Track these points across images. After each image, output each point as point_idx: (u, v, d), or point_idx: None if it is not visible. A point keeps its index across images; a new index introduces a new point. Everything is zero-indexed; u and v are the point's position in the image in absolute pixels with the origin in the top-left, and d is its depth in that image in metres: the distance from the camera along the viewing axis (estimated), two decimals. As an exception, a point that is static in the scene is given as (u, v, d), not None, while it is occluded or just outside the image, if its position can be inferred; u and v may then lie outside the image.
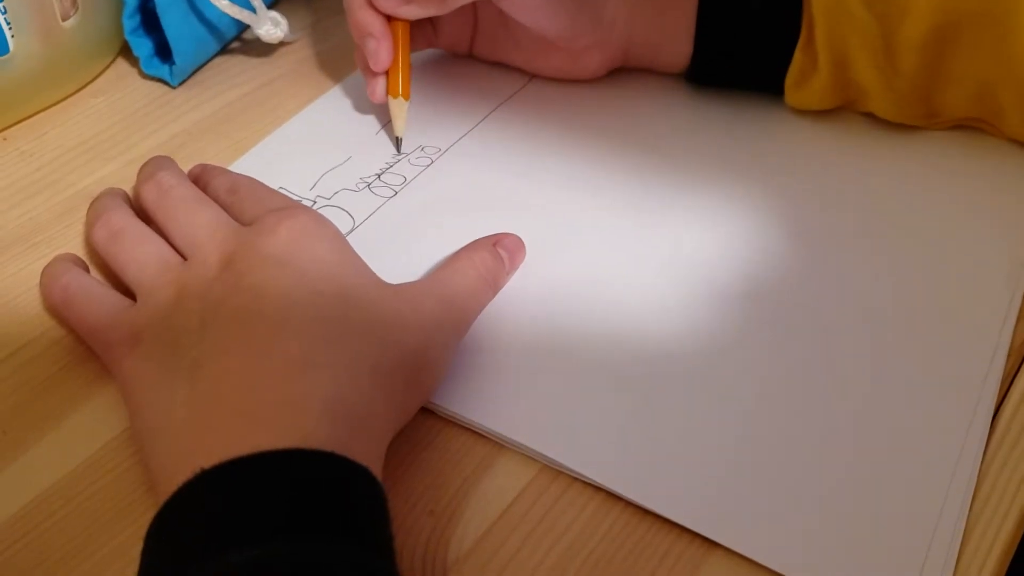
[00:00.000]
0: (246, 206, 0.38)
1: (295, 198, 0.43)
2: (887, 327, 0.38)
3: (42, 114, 0.49)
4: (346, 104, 0.49)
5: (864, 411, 0.35)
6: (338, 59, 0.52)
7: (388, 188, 0.45)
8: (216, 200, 0.39)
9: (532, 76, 0.50)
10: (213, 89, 0.51)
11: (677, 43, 0.47)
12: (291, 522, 0.27)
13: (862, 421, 0.35)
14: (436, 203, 0.44)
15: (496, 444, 0.35)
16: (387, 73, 0.45)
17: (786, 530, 0.32)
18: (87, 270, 0.40)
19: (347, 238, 0.37)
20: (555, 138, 0.47)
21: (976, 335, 0.38)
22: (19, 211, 0.44)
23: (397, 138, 0.46)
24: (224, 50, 0.53)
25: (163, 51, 0.50)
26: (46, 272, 0.39)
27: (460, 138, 0.47)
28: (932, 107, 0.45)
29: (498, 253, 0.39)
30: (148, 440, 0.32)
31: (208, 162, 0.44)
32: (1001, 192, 0.44)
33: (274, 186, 0.42)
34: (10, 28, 0.45)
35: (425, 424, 0.35)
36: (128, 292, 0.37)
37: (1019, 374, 0.37)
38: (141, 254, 0.37)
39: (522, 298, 0.39)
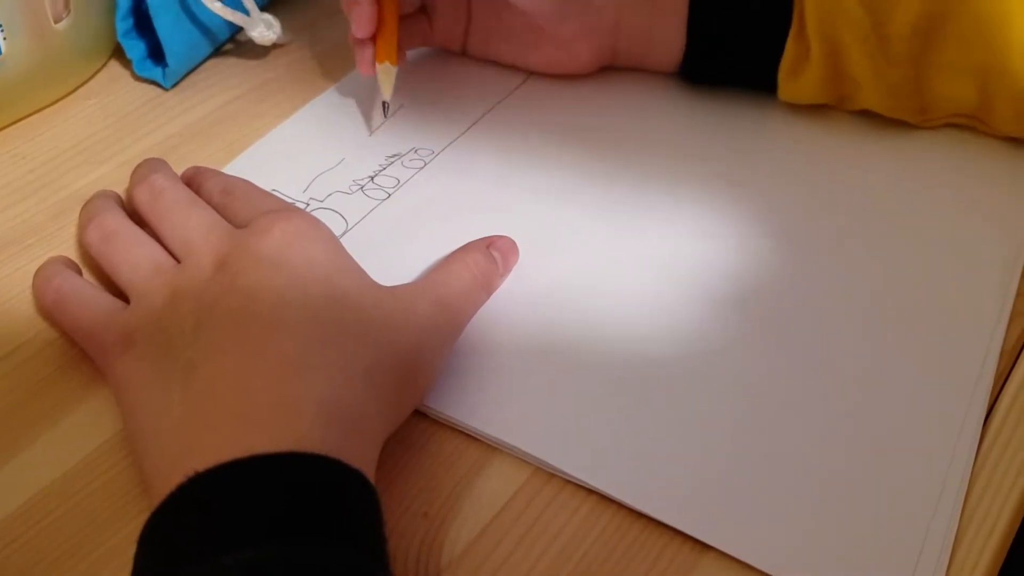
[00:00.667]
0: (239, 208, 0.38)
1: (288, 200, 0.43)
2: (879, 328, 0.38)
3: (35, 116, 0.49)
4: (339, 107, 0.49)
5: (856, 412, 0.35)
6: (331, 61, 0.52)
7: (381, 190, 0.45)
8: (209, 202, 0.39)
9: (526, 77, 0.50)
10: (206, 91, 0.51)
11: (669, 32, 0.47)
12: (285, 525, 0.27)
13: (855, 422, 0.35)
14: (429, 205, 0.44)
15: (489, 447, 0.35)
16: (375, 41, 0.46)
17: (779, 532, 0.32)
18: (79, 272, 0.40)
19: (340, 240, 0.37)
20: (548, 140, 0.47)
21: (968, 336, 0.38)
22: (12, 213, 0.44)
23: (384, 102, 0.46)
24: (217, 52, 0.53)
25: (156, 53, 0.50)
26: (38, 274, 0.39)
27: (453, 140, 0.47)
28: (924, 100, 0.45)
29: (492, 255, 0.39)
30: (141, 441, 0.32)
31: (201, 164, 0.44)
32: (993, 192, 0.44)
33: (267, 188, 0.42)
34: (2, 30, 0.45)
35: (418, 427, 0.35)
36: (120, 294, 0.37)
37: (1011, 375, 0.37)
38: (134, 256, 0.37)
39: (515, 300, 0.39)
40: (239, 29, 0.51)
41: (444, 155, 0.46)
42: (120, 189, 0.43)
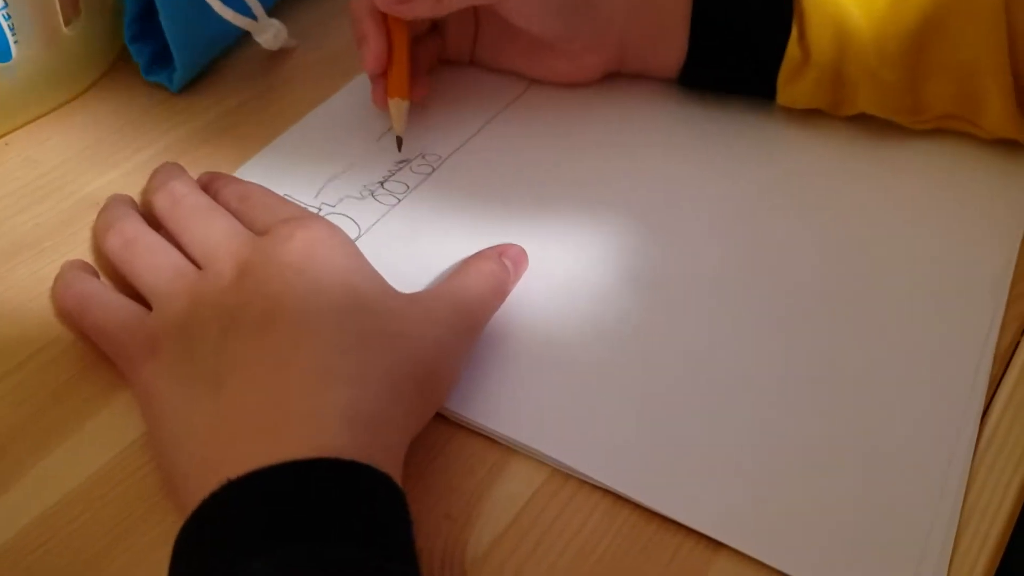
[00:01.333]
0: (258, 215, 0.39)
1: (302, 206, 0.44)
2: (877, 331, 0.40)
3: (43, 120, 0.49)
4: (347, 111, 0.50)
5: (859, 416, 0.37)
6: (338, 66, 0.52)
7: (391, 196, 0.45)
8: (227, 208, 0.39)
9: (530, 83, 0.51)
10: (214, 95, 0.51)
11: (671, 42, 0.48)
12: (316, 529, 0.28)
13: (857, 426, 0.36)
14: (439, 211, 0.45)
15: (507, 449, 0.36)
16: (388, 74, 0.46)
17: (788, 531, 0.33)
18: (97, 277, 0.40)
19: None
20: (554, 144, 0.48)
21: (963, 340, 0.39)
22: (25, 216, 0.44)
23: (398, 137, 0.47)
24: (224, 56, 0.53)
25: (164, 57, 0.50)
26: (59, 280, 0.39)
27: (461, 145, 0.48)
28: (917, 99, 0.46)
29: (504, 263, 0.40)
30: (168, 448, 0.33)
31: (211, 169, 0.44)
32: (985, 197, 0.46)
33: (279, 194, 0.43)
34: (13, 34, 0.45)
35: (437, 430, 0.36)
36: (140, 299, 0.37)
37: (1004, 379, 0.39)
38: (156, 262, 0.37)
39: (528, 305, 0.40)
40: (246, 33, 0.52)
41: (452, 160, 0.47)
42: (132, 193, 0.44)
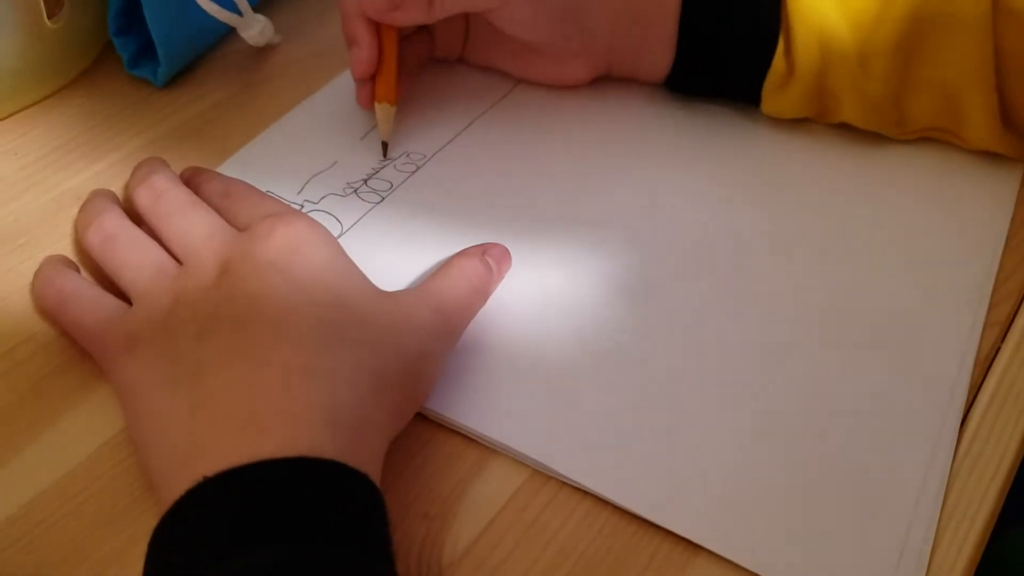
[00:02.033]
0: (240, 210, 0.39)
1: (284, 202, 0.43)
2: (858, 337, 0.40)
3: (25, 112, 0.49)
4: (331, 108, 0.50)
5: (838, 420, 0.37)
6: (323, 62, 0.52)
7: (375, 194, 0.45)
8: (209, 204, 0.39)
9: (517, 82, 0.51)
10: (198, 90, 0.51)
11: (658, 51, 0.48)
12: (292, 529, 0.28)
13: (837, 430, 0.36)
14: (422, 210, 0.44)
15: (487, 449, 0.36)
16: (375, 78, 0.46)
17: (767, 533, 0.33)
18: (78, 272, 0.40)
19: (338, 243, 0.37)
20: (539, 144, 0.48)
21: (944, 345, 0.39)
22: (5, 211, 0.44)
23: (383, 143, 0.47)
24: (209, 51, 0.53)
25: (148, 51, 0.50)
26: (39, 275, 0.39)
27: (445, 144, 0.48)
28: (901, 113, 0.46)
29: (487, 262, 0.39)
30: (147, 444, 0.33)
31: (194, 163, 0.44)
32: (967, 204, 0.46)
33: (262, 190, 0.42)
34: (-4, 26, 0.45)
35: (417, 429, 0.36)
36: (120, 295, 0.37)
37: (984, 384, 0.39)
38: (136, 258, 0.37)
39: (510, 305, 0.40)
40: (231, 29, 0.52)
41: (436, 159, 0.47)
42: (114, 187, 0.43)
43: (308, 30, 0.55)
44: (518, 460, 0.35)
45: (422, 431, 0.36)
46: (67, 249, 0.42)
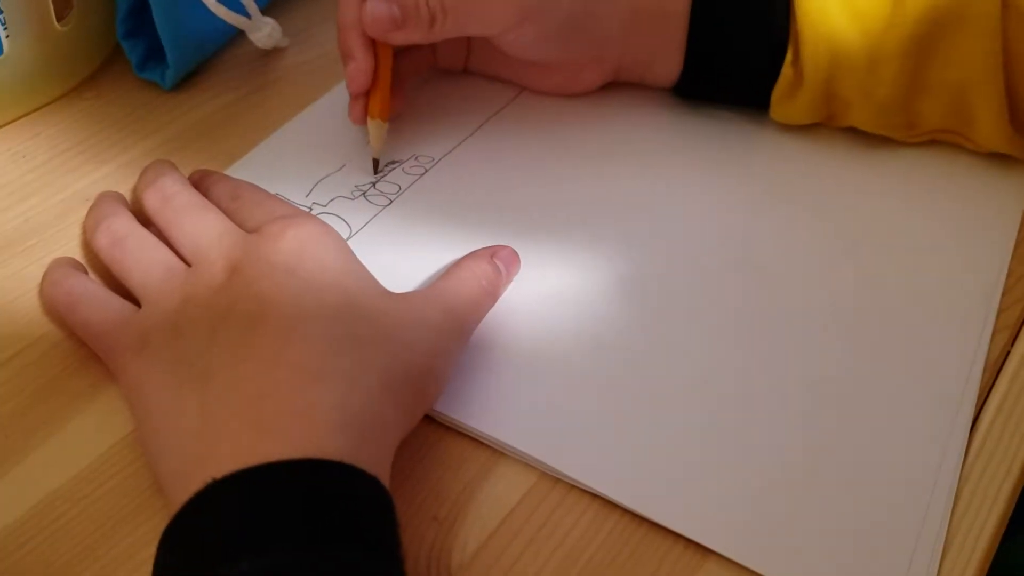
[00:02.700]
0: (249, 213, 0.39)
1: (293, 205, 0.44)
2: (867, 341, 0.40)
3: (34, 114, 0.49)
4: (339, 111, 0.49)
5: (849, 424, 0.37)
6: (331, 65, 0.52)
7: (383, 196, 0.45)
8: (218, 206, 0.39)
9: (522, 88, 0.51)
10: (206, 93, 0.51)
11: (668, 59, 0.48)
12: (302, 531, 0.28)
13: (848, 433, 0.36)
14: (431, 213, 0.44)
15: (496, 451, 0.36)
16: (370, 93, 0.45)
17: (777, 538, 0.33)
18: (86, 273, 0.40)
19: (347, 246, 0.37)
20: (546, 149, 0.48)
21: (954, 350, 0.39)
22: (14, 212, 0.44)
23: (374, 159, 0.46)
24: (217, 54, 0.53)
25: (156, 54, 0.50)
26: (47, 276, 0.39)
27: (453, 148, 0.48)
28: (910, 116, 0.46)
29: (496, 265, 0.39)
30: (156, 445, 0.33)
31: (202, 166, 0.44)
32: (976, 207, 0.46)
33: (271, 192, 0.43)
34: (5, 29, 0.45)
35: (425, 431, 0.36)
36: (129, 297, 0.37)
37: (994, 389, 0.39)
38: (146, 260, 0.37)
39: (519, 307, 0.40)
40: (240, 32, 0.52)
41: (444, 162, 0.47)
42: (123, 189, 0.44)
43: (316, 33, 0.55)
44: (527, 463, 0.35)
45: (431, 433, 0.36)
46: (76, 251, 0.42)
